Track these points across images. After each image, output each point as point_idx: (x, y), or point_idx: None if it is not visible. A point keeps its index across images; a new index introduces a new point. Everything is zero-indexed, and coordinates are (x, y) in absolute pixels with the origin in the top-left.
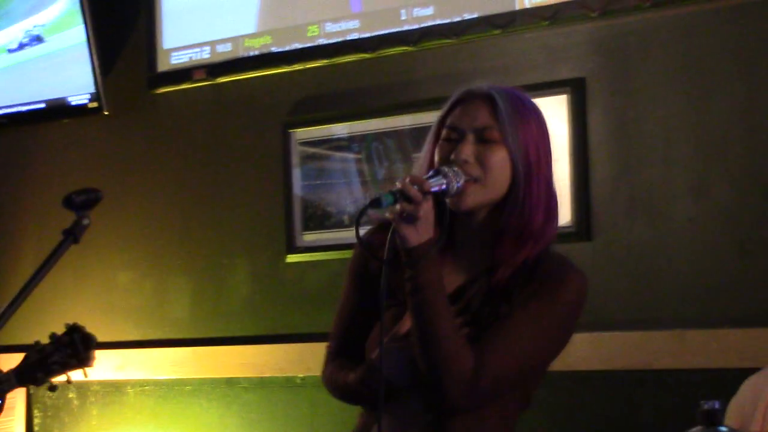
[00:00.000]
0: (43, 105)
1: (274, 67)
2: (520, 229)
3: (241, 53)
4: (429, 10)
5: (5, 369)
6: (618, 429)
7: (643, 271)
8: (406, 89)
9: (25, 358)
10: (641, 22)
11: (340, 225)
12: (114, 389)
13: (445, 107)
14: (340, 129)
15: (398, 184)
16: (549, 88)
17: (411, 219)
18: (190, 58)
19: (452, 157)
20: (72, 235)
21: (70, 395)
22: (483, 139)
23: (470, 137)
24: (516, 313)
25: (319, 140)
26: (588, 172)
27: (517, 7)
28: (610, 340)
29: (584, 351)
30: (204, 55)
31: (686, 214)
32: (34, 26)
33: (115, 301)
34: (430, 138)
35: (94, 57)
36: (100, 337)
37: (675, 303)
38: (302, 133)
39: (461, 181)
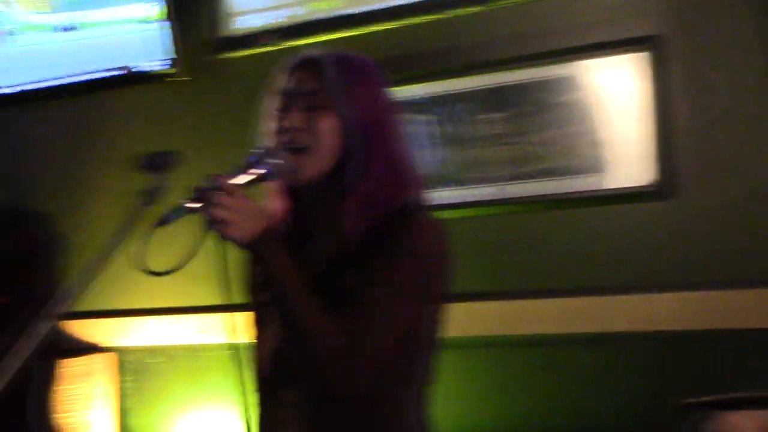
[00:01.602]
0: (118, 72)
1: (344, 30)
2: (363, 195)
3: (311, 16)
4: None
5: (85, 335)
6: (704, 389)
7: (726, 228)
8: (479, 49)
9: None
10: None
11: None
12: (198, 354)
13: (279, 76)
14: (415, 91)
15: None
16: (628, 45)
17: (221, 222)
18: (262, 21)
19: (281, 125)
20: (150, 200)
21: (160, 360)
22: (311, 107)
23: (297, 104)
24: (373, 280)
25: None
26: (670, 130)
27: None
28: (695, 299)
29: (669, 311)
30: (272, 18)
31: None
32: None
33: (200, 266)
34: (270, 109)
35: (170, 23)
36: (181, 302)
37: (760, 261)
38: None
39: (280, 159)
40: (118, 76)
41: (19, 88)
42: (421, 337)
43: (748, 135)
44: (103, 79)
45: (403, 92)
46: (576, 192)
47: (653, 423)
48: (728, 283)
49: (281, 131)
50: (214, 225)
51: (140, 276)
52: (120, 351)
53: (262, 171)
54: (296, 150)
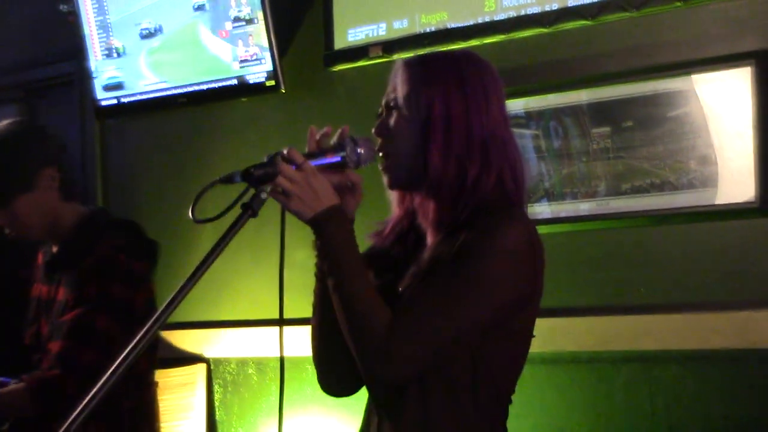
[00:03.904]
0: (221, 84)
1: (450, 43)
2: (432, 188)
3: (418, 29)
4: None
5: (178, 346)
6: None
7: None
8: (583, 64)
9: None
10: None
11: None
12: (293, 366)
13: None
14: (517, 105)
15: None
16: (732, 60)
17: (285, 193)
18: (367, 35)
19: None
20: (250, 209)
21: (250, 371)
22: (389, 108)
23: (384, 111)
24: (437, 271)
25: None
26: None
27: None
28: None
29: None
30: (380, 32)
31: None
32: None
33: (292, 278)
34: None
35: (272, 36)
36: (279, 315)
37: None
38: None
39: (363, 150)
40: (221, 87)
41: (130, 99)
42: (493, 343)
43: None
44: (207, 90)
45: (507, 106)
46: (680, 208)
47: None
48: None
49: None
50: (278, 195)
51: (234, 287)
52: (212, 362)
53: (337, 157)
54: (383, 154)
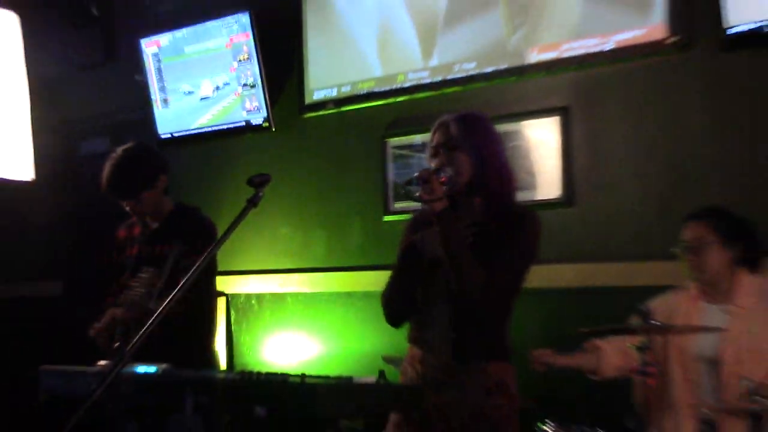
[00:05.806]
0: (235, 125)
1: (376, 101)
2: (488, 194)
3: (356, 91)
4: (472, 65)
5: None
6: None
7: (603, 222)
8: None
9: None
10: (601, 72)
11: (418, 199)
12: (279, 299)
13: (431, 133)
14: (417, 138)
15: (419, 174)
16: (546, 112)
17: (431, 195)
18: (325, 95)
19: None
20: (252, 203)
21: (253, 302)
22: (448, 149)
23: (441, 151)
24: (503, 244)
25: (404, 145)
26: (571, 164)
27: (526, 62)
28: (584, 268)
29: (571, 275)
30: (333, 93)
31: (630, 196)
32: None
33: (278, 244)
34: (427, 155)
35: (266, 94)
36: (270, 267)
37: (620, 242)
38: (394, 141)
39: (450, 174)
40: (236, 127)
41: (180, 134)
42: (520, 287)
43: (621, 169)
44: (226, 129)
45: (412, 139)
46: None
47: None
48: (603, 256)
49: (438, 167)
50: (426, 197)
51: (242, 252)
52: (229, 296)
53: (445, 179)
54: (449, 177)
